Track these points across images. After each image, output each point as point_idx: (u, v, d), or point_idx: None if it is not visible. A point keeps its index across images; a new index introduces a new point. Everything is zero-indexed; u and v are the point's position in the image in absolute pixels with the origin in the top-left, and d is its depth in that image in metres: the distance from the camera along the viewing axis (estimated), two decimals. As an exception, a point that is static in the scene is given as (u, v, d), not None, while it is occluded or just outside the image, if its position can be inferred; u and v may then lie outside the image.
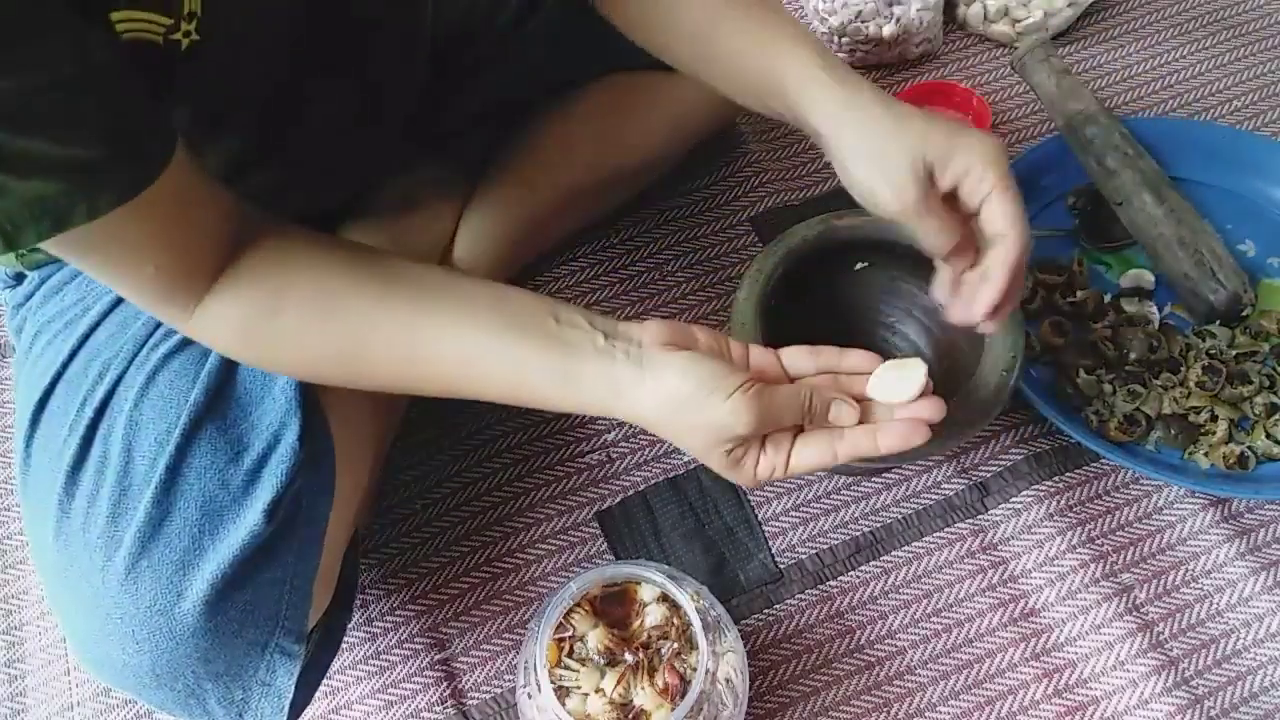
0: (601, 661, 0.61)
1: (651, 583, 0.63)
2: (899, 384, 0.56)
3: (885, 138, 0.57)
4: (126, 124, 0.45)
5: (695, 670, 0.60)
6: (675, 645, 0.61)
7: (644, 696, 0.60)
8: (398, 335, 0.55)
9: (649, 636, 0.62)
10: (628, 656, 0.61)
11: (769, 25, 0.62)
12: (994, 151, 0.57)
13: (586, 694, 0.60)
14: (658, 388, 0.53)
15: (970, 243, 0.59)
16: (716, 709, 0.62)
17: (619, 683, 0.60)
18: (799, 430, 0.55)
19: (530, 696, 0.62)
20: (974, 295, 0.59)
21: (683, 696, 0.59)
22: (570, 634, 0.62)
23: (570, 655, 0.61)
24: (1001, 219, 0.57)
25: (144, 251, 0.50)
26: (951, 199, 0.59)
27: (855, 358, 0.58)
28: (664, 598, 0.63)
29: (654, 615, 0.63)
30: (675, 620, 0.62)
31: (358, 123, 0.68)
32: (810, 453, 0.54)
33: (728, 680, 0.63)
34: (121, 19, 0.45)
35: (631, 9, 0.68)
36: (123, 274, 0.51)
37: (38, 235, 0.44)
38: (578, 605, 0.62)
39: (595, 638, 0.61)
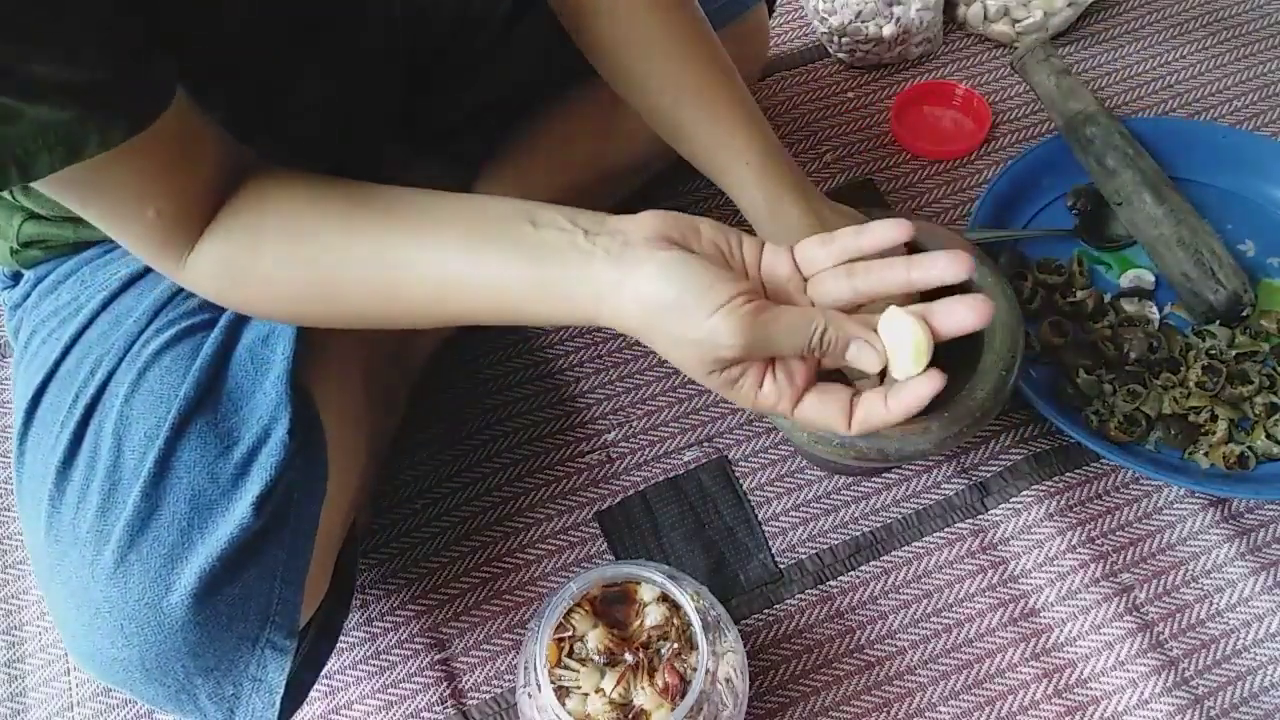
0: (601, 661, 0.61)
1: (651, 583, 0.63)
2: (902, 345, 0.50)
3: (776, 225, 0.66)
4: (130, 50, 0.45)
5: (695, 670, 0.60)
6: (675, 645, 0.61)
7: (644, 696, 0.59)
8: (371, 264, 0.53)
9: (649, 636, 0.62)
10: (627, 656, 0.61)
11: (721, 124, 0.68)
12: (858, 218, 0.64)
13: (586, 694, 0.60)
14: (637, 292, 0.47)
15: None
16: (716, 709, 0.62)
17: (619, 683, 0.60)
18: (819, 365, 0.51)
19: (530, 696, 0.62)
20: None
21: (683, 696, 0.59)
22: (570, 634, 0.61)
23: (570, 655, 0.61)
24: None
25: (147, 192, 0.50)
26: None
27: (877, 234, 0.50)
28: (664, 598, 0.63)
29: (654, 615, 0.63)
30: (675, 620, 0.62)
31: (336, 110, 0.68)
32: (822, 409, 0.49)
33: (728, 680, 0.63)
34: None
35: (601, 61, 0.71)
36: (125, 218, 0.51)
37: (50, 165, 0.43)
38: (578, 605, 0.62)
39: (595, 638, 0.61)
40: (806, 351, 0.49)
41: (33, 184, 0.46)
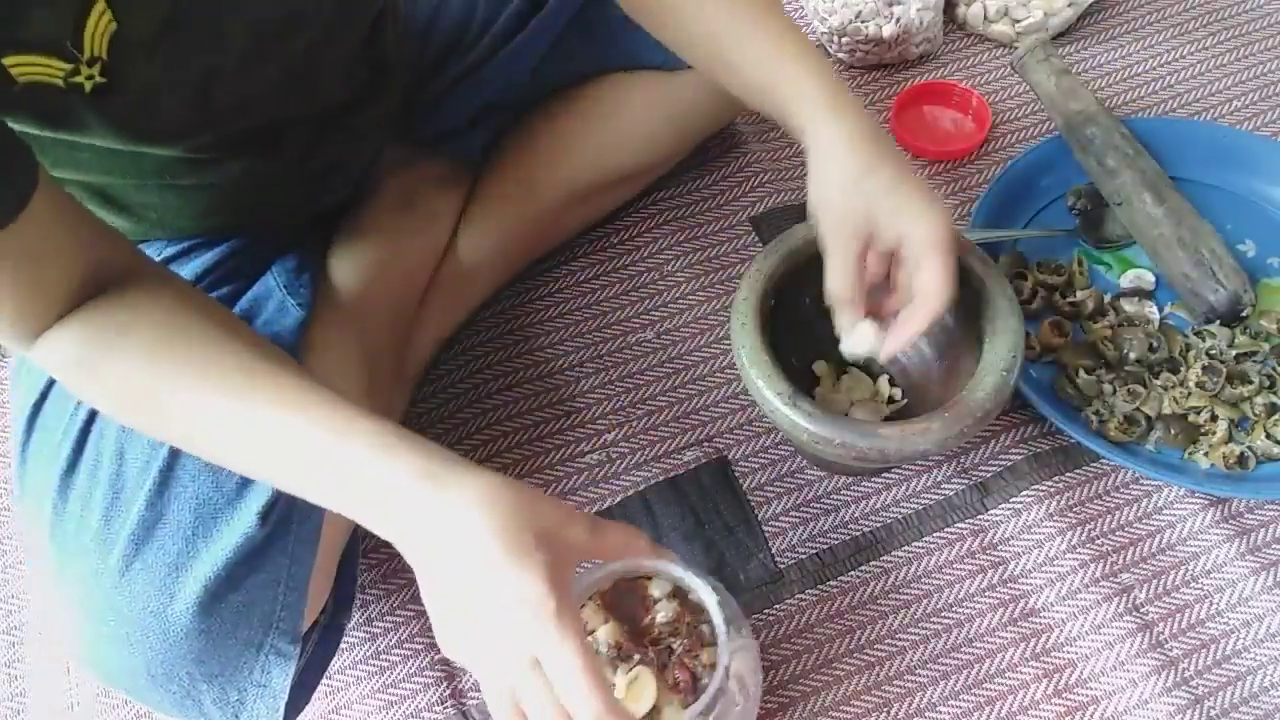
0: (611, 657, 0.61)
1: (668, 576, 0.63)
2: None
3: (846, 182, 0.61)
4: None
5: (706, 666, 0.60)
6: (685, 642, 0.61)
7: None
8: (216, 429, 0.51)
9: (660, 633, 0.62)
10: (637, 654, 0.61)
11: (774, 41, 0.63)
12: (937, 229, 0.60)
13: None
14: (432, 551, 0.47)
15: (866, 299, 0.65)
16: (729, 705, 0.62)
17: (631, 678, 0.60)
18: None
19: None
20: (895, 329, 0.64)
21: (694, 693, 0.59)
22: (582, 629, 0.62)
23: None
24: (927, 286, 0.61)
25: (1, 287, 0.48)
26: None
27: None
28: (675, 594, 0.63)
29: (665, 611, 0.63)
30: (687, 617, 0.62)
31: (283, 90, 0.67)
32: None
33: (739, 676, 0.63)
34: (14, 63, 0.44)
35: (648, 4, 0.68)
36: None
37: None
38: (589, 600, 0.62)
39: (605, 633, 0.61)
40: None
41: None
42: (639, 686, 0.59)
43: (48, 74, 0.46)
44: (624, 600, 0.63)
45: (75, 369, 0.53)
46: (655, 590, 0.63)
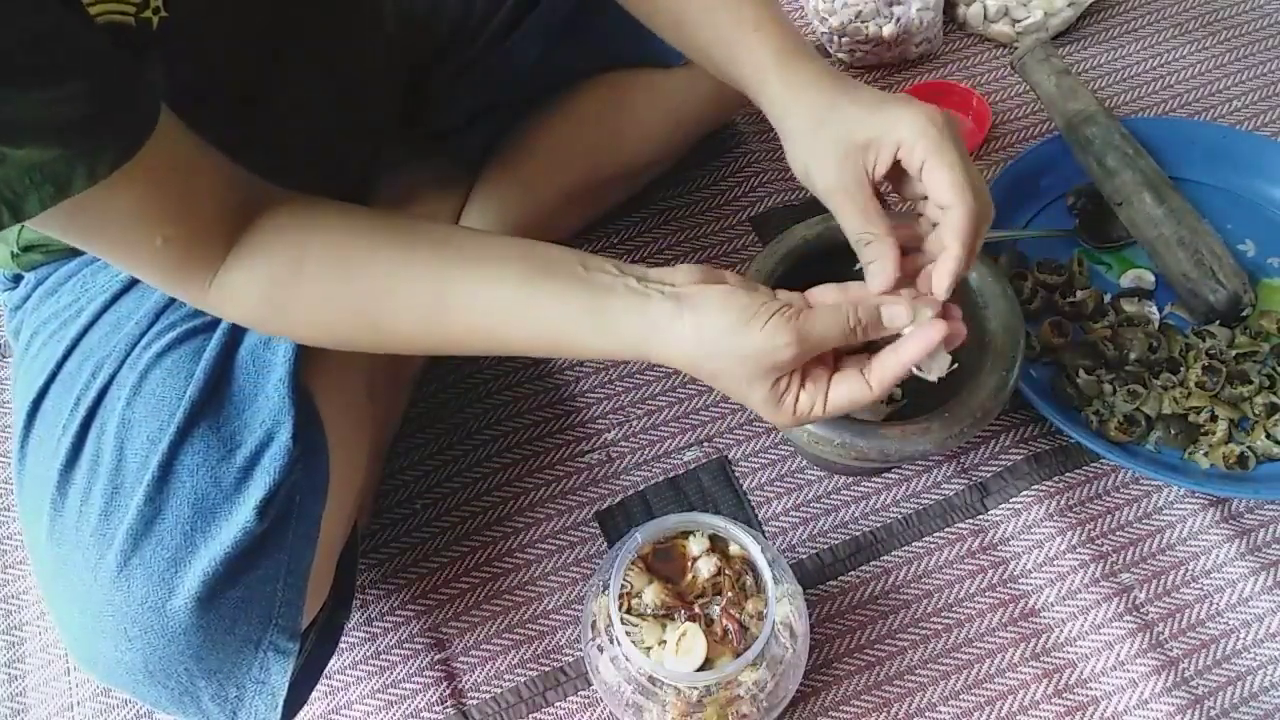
0: (660, 615, 0.63)
1: (707, 529, 0.65)
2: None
3: (818, 121, 0.56)
4: (111, 82, 0.45)
5: (752, 616, 0.62)
6: (730, 594, 0.63)
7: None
8: (422, 289, 0.55)
9: (703, 589, 0.64)
10: (684, 611, 0.63)
11: (732, 15, 0.60)
12: (923, 122, 0.53)
13: (650, 647, 0.61)
14: (697, 321, 0.51)
15: (899, 242, 0.56)
16: (780, 651, 0.63)
17: (680, 634, 0.61)
18: (835, 371, 0.55)
19: (601, 650, 0.64)
20: (935, 271, 0.55)
21: (743, 643, 0.61)
22: (629, 590, 0.63)
23: (629, 612, 0.62)
24: (942, 190, 0.53)
25: (149, 222, 0.50)
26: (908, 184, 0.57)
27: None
28: (713, 549, 0.64)
29: (706, 568, 0.64)
30: (727, 570, 0.64)
31: (335, 109, 0.68)
32: (844, 388, 0.53)
33: (786, 622, 0.64)
34: (93, 1, 0.45)
35: None
36: (132, 249, 0.51)
37: (40, 203, 0.44)
38: (632, 563, 0.63)
39: (651, 594, 0.63)
40: (848, 331, 0.53)
41: (34, 226, 0.47)
42: (689, 642, 0.61)
43: (122, 11, 0.47)
44: (665, 560, 0.65)
45: (266, 306, 0.55)
46: (694, 548, 0.64)
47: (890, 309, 0.54)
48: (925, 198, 0.56)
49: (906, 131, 0.53)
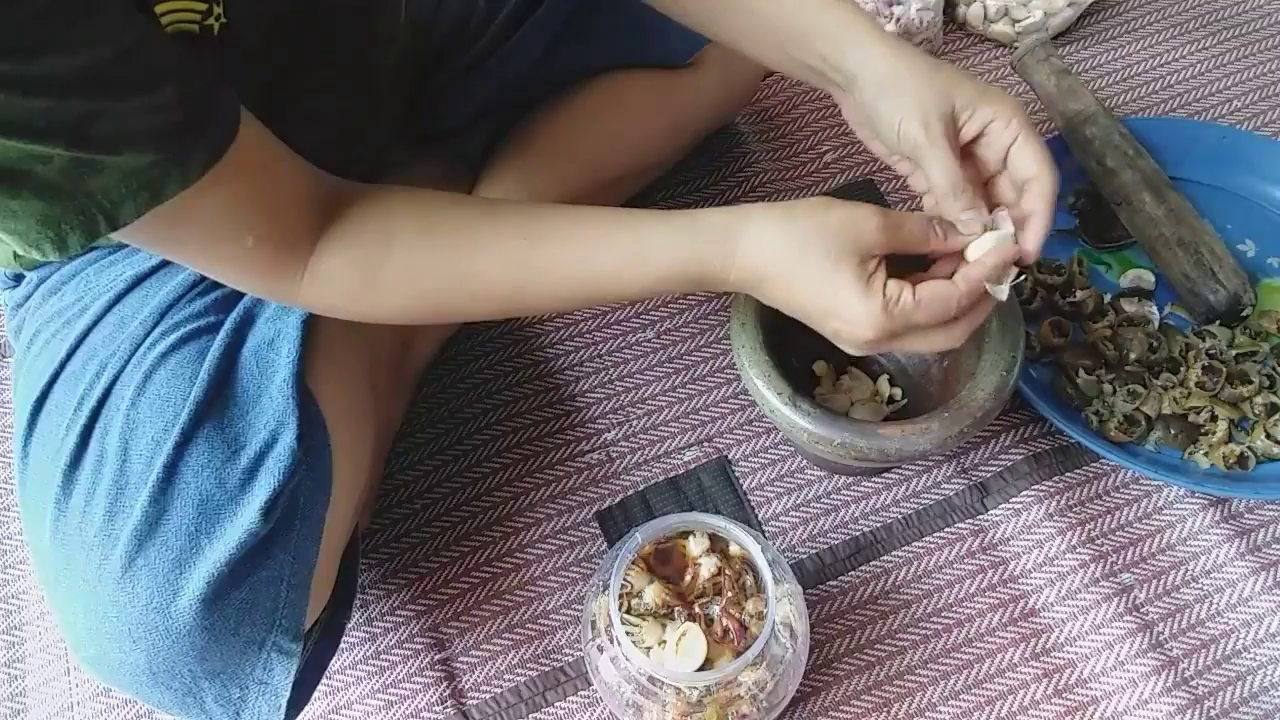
0: (661, 615, 0.63)
1: (707, 529, 0.65)
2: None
3: (919, 79, 0.60)
4: (194, 88, 0.46)
5: (753, 616, 0.62)
6: (730, 594, 0.63)
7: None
8: (508, 235, 0.58)
9: (703, 589, 0.64)
10: (684, 611, 0.63)
11: None
12: (1018, 103, 0.61)
13: (650, 647, 0.62)
14: (786, 205, 0.57)
15: (975, 192, 0.62)
16: (780, 651, 0.63)
17: (680, 634, 0.61)
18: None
19: (601, 650, 0.64)
20: (1024, 230, 0.62)
21: (744, 642, 0.61)
22: (629, 589, 0.63)
23: (629, 612, 0.63)
24: (1033, 161, 0.60)
25: (240, 221, 0.51)
26: (970, 159, 0.62)
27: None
28: (713, 549, 0.65)
29: (706, 567, 0.64)
30: (727, 570, 0.64)
31: (349, 114, 0.68)
32: (932, 285, 0.57)
33: (786, 622, 0.64)
34: (165, 10, 0.47)
35: None
36: (225, 250, 0.53)
37: (136, 210, 0.45)
38: (633, 563, 0.63)
39: (652, 594, 0.63)
40: (930, 230, 0.59)
41: (123, 236, 0.48)
42: (689, 642, 0.61)
43: (189, 18, 0.49)
44: (665, 560, 0.65)
45: (361, 286, 0.57)
46: (694, 548, 0.64)
47: (967, 217, 0.59)
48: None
49: (1008, 108, 0.60)
